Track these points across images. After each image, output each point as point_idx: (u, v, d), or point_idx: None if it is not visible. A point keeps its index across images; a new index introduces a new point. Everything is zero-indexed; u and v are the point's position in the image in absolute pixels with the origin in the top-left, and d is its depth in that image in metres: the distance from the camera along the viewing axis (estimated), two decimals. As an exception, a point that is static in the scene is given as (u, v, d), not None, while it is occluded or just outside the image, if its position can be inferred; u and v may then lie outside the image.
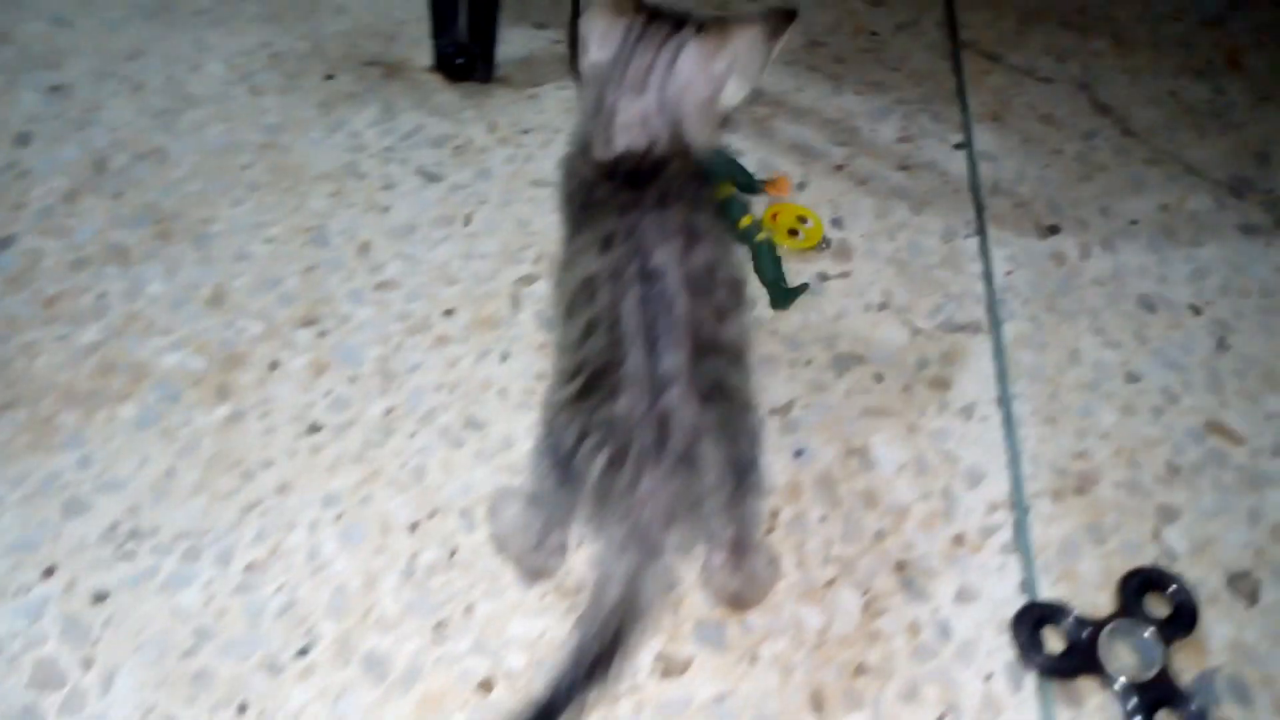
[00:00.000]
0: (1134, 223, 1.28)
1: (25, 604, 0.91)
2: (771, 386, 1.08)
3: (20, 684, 0.86)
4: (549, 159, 1.29)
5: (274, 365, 1.07)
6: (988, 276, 1.20)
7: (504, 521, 0.94)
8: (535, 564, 0.93)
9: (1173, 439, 1.07)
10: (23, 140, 1.26)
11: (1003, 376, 1.11)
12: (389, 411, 1.04)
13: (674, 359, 0.74)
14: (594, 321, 0.77)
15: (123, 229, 1.18)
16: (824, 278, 1.19)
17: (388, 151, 1.28)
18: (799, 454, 1.03)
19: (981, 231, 1.25)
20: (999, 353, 1.13)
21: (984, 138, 1.37)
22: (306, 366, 1.07)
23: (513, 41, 1.43)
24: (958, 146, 1.36)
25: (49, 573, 0.92)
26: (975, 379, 1.11)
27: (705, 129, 0.85)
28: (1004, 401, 1.09)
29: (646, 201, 0.79)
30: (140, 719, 0.84)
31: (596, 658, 0.72)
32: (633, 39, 0.83)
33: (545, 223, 1.22)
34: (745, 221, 1.16)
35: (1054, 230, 1.27)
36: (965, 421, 1.07)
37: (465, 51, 1.32)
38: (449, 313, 1.13)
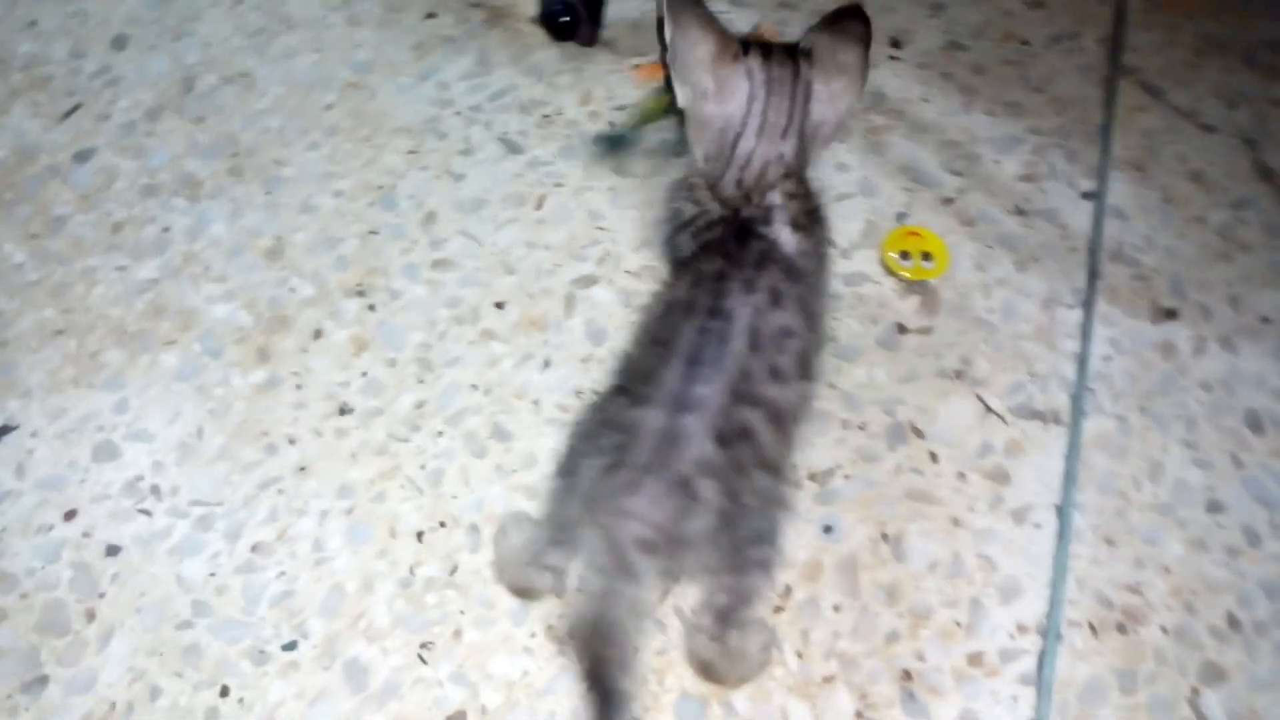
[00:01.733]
0: (1265, 320, 1.15)
1: (45, 544, 0.94)
2: (817, 447, 1.02)
3: (29, 624, 0.90)
4: (638, 144, 1.21)
5: (317, 334, 1.06)
6: (1082, 360, 1.10)
7: (507, 546, 0.93)
8: (525, 580, 0.91)
9: (1242, 588, 0.98)
10: (119, 44, 1.25)
11: (1070, 480, 1.02)
12: (420, 405, 1.02)
13: (707, 391, 0.74)
14: (653, 339, 0.79)
15: (197, 158, 1.17)
16: (902, 330, 1.11)
17: (474, 111, 1.23)
18: (828, 530, 0.98)
19: (1088, 304, 1.14)
20: (1072, 452, 1.04)
21: (1119, 189, 1.23)
22: (348, 341, 1.06)
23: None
24: (1086, 195, 1.22)
25: (70, 516, 0.95)
26: (1038, 478, 1.02)
27: (824, 151, 0.88)
28: (1064, 510, 1.01)
29: (748, 257, 0.80)
30: (128, 684, 0.87)
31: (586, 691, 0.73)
32: (760, 87, 0.82)
33: (618, 218, 1.15)
34: None
35: (1171, 315, 1.14)
36: (1016, 525, 0.99)
37: (572, 10, 1.24)
38: (499, 305, 1.09)
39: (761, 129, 0.83)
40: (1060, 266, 1.17)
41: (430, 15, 1.31)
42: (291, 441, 1.00)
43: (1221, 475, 1.04)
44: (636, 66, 1.26)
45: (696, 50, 0.82)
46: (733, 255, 0.81)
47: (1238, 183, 1.26)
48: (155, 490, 0.96)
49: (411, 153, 1.19)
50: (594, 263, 1.13)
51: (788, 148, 0.83)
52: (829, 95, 0.84)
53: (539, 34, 1.29)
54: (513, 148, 1.20)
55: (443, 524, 0.96)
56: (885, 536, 0.98)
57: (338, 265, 1.10)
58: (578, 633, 0.75)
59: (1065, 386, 1.08)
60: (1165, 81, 1.34)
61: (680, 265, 0.85)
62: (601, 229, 1.15)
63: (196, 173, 1.15)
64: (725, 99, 0.83)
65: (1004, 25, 1.38)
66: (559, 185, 1.18)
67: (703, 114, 0.84)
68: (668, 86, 0.86)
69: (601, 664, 0.74)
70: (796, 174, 0.85)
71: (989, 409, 1.06)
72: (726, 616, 0.85)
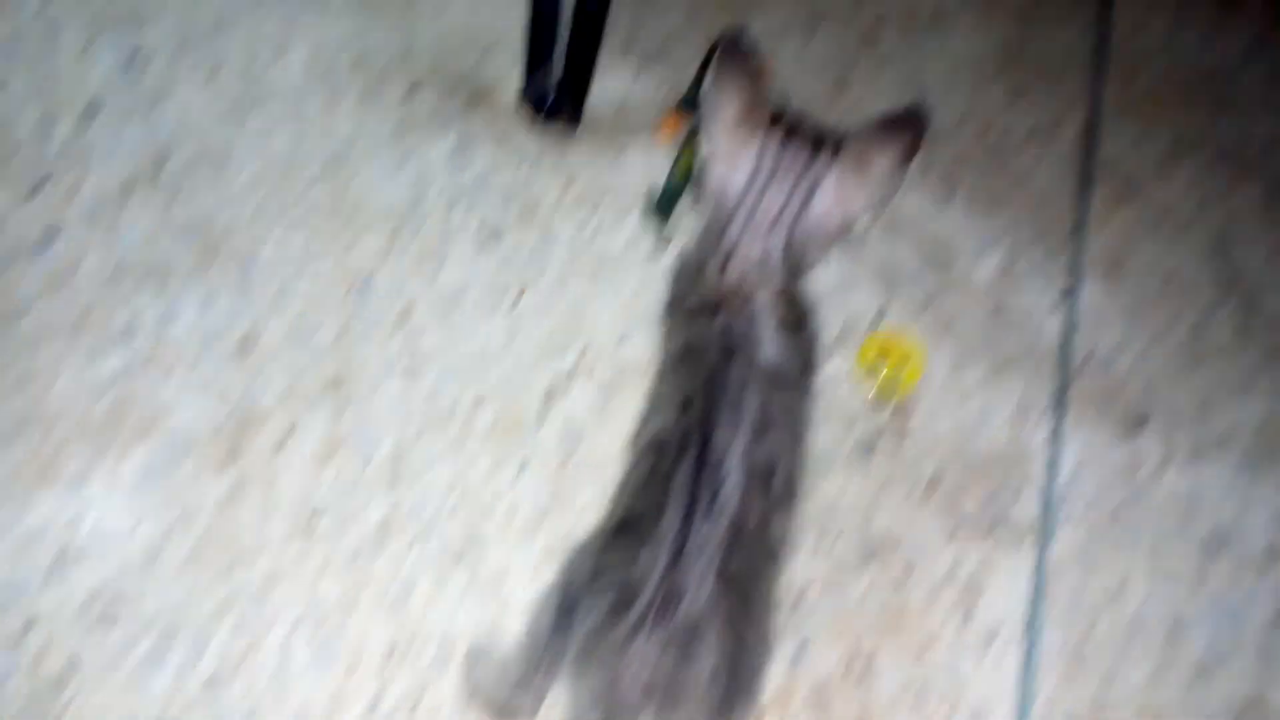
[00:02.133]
0: (1231, 431, 1.17)
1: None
2: (790, 566, 1.01)
3: (-17, 743, 0.88)
4: (619, 235, 1.21)
5: (289, 433, 1.04)
6: (1052, 475, 1.11)
7: (485, 669, 0.92)
8: (508, 702, 0.91)
9: (1206, 709, 0.99)
10: (91, 112, 1.22)
11: (1038, 599, 1.03)
12: (391, 511, 1.01)
13: (708, 535, 0.72)
14: (650, 475, 0.76)
15: (169, 239, 1.14)
16: (875, 441, 1.11)
17: (454, 195, 1.21)
18: (800, 651, 0.98)
19: (1059, 414, 1.15)
20: (1040, 570, 1.05)
21: (1093, 290, 1.25)
22: (320, 442, 1.04)
23: (611, 79, 1.33)
24: (1060, 298, 1.24)
25: (27, 627, 0.93)
26: (1008, 596, 1.03)
27: (821, 258, 0.82)
28: (1031, 631, 1.02)
29: (732, 374, 0.76)
30: (88, 810, 0.85)
31: None
32: (767, 166, 0.78)
33: (599, 311, 1.15)
34: None
35: (1140, 424, 1.16)
36: (985, 646, 1.00)
37: (554, 96, 1.23)
38: (476, 404, 1.08)
39: (751, 215, 0.79)
40: (1034, 371, 1.18)
41: (412, 92, 1.29)
42: (259, 551, 0.98)
43: (1187, 594, 1.06)
44: (659, 123, 1.24)
45: (727, 105, 0.78)
46: (716, 372, 0.77)
47: (1208, 286, 1.28)
48: (118, 598, 0.94)
49: (391, 237, 1.17)
50: (574, 357, 1.12)
51: (774, 244, 0.79)
52: (839, 193, 0.78)
53: (521, 115, 1.28)
54: (493, 234, 1.19)
55: (411, 642, 0.95)
56: (857, 657, 0.98)
57: (313, 357, 1.09)
58: None
59: (1035, 501, 1.09)
60: (1141, 176, 1.36)
61: (668, 356, 0.83)
62: (582, 323, 1.14)
63: (167, 257, 1.13)
64: (732, 166, 0.79)
65: (984, 113, 1.39)
66: (540, 275, 1.17)
67: (710, 173, 0.80)
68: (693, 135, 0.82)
69: None
70: (782, 288, 0.80)
71: (961, 524, 1.07)
72: None
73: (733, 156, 0.79)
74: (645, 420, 0.82)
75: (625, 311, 1.16)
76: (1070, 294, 1.24)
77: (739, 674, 0.75)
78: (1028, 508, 1.09)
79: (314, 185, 1.20)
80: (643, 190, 1.22)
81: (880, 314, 1.20)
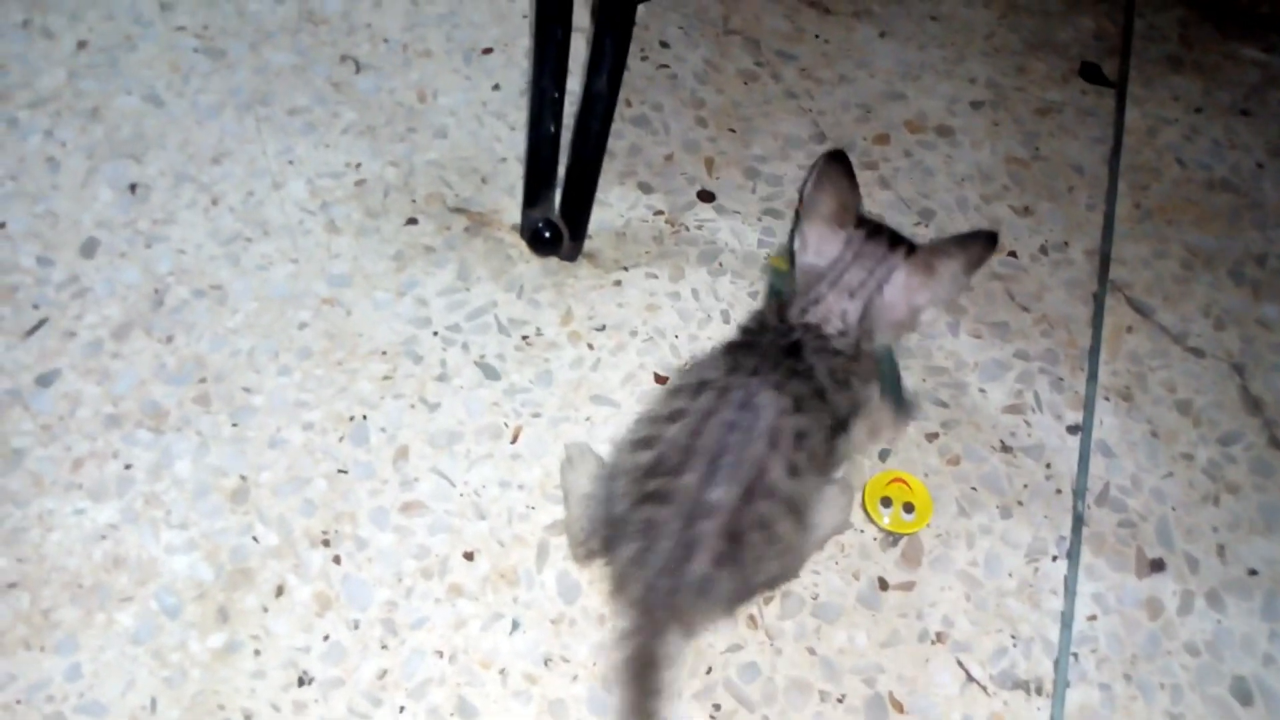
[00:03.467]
0: (1253, 573, 1.13)
1: (-17, 837, 0.89)
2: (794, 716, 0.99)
3: None
4: (616, 370, 1.19)
5: (280, 591, 1.03)
6: (1067, 621, 1.07)
7: (575, 479, 1.05)
8: (583, 548, 1.02)
9: None
10: (89, 250, 1.22)
11: (1052, 762, 0.99)
12: (383, 675, 0.99)
13: (723, 494, 0.86)
14: (684, 414, 0.90)
15: (164, 384, 1.14)
16: (883, 586, 1.08)
17: (452, 331, 1.20)
18: (803, 822, 0.94)
19: (1073, 555, 1.12)
20: (1055, 728, 1.01)
21: (1106, 421, 1.21)
22: (312, 599, 1.02)
23: (612, 205, 1.32)
24: (1072, 430, 1.20)
25: (12, 805, 0.91)
26: (1021, 759, 0.99)
27: (890, 338, 1.02)
28: (1046, 798, 0.98)
29: (789, 366, 0.93)
30: None
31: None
32: (850, 253, 0.97)
33: (598, 450, 1.13)
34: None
35: (1157, 567, 1.12)
36: (997, 815, 0.96)
37: (553, 226, 1.22)
38: (469, 556, 1.06)
39: (836, 281, 0.97)
40: (1046, 509, 1.15)
41: (411, 222, 1.29)
42: (248, 717, 0.96)
43: (1209, 755, 1.01)
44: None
45: (821, 206, 0.98)
46: (769, 356, 0.93)
47: (1226, 414, 1.24)
48: (104, 773, 0.92)
49: (386, 379, 1.16)
50: (569, 505, 1.10)
51: (853, 307, 0.96)
52: (905, 286, 0.96)
53: (521, 245, 1.27)
54: (490, 373, 1.18)
55: (403, 816, 0.92)
56: (862, 830, 0.94)
57: (304, 510, 1.07)
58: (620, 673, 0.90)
59: (1049, 651, 1.06)
60: (1154, 298, 1.33)
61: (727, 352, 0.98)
62: (578, 467, 1.12)
63: (162, 401, 1.12)
64: (820, 256, 0.98)
65: (991, 234, 1.37)
66: (536, 415, 1.15)
67: (800, 264, 0.99)
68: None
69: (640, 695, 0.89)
70: (855, 344, 0.97)
71: (970, 677, 1.03)
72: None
73: (821, 247, 0.98)
74: (693, 364, 1.04)
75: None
76: (1082, 429, 1.21)
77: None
78: (1041, 660, 1.05)
79: (310, 324, 1.19)
80: (639, 328, 1.21)
81: (887, 451, 1.17)
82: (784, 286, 1.05)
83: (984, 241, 0.96)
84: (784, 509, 0.89)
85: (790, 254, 1.02)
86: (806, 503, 0.92)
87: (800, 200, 1.01)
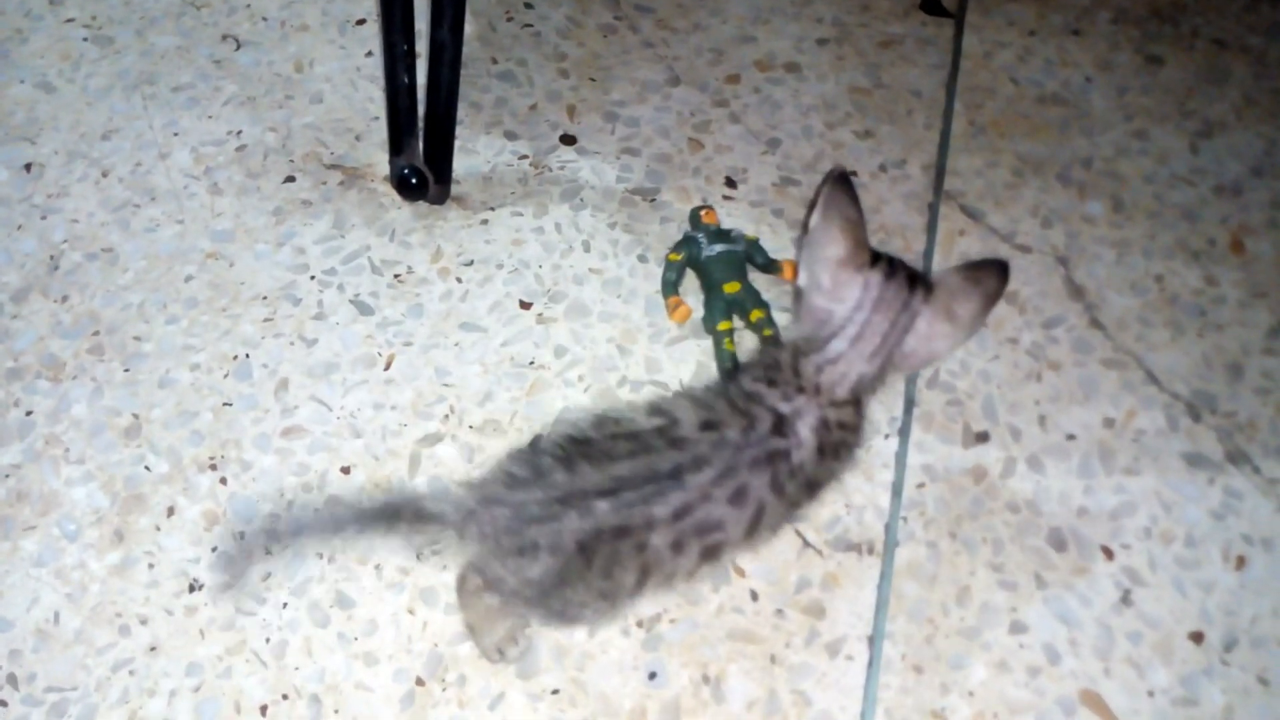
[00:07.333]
0: (1070, 438, 1.23)
1: (-98, 740, 0.98)
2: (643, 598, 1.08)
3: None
4: (484, 299, 1.29)
5: (170, 511, 1.12)
6: (897, 490, 1.18)
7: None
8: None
9: (1040, 707, 1.05)
10: (-12, 225, 1.31)
11: (881, 611, 1.10)
12: (267, 577, 1.08)
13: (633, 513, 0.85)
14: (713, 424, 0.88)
15: (61, 338, 1.23)
16: (728, 470, 1.18)
17: (328, 274, 1.30)
18: (653, 676, 1.04)
19: (904, 432, 1.22)
20: (884, 582, 1.11)
21: (939, 314, 1.32)
22: (200, 516, 1.12)
23: (479, 152, 1.42)
24: (907, 324, 1.31)
25: (-73, 711, 1.00)
26: (852, 609, 1.10)
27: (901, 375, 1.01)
28: (875, 641, 1.08)
29: (763, 449, 0.88)
30: None
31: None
32: (869, 301, 0.89)
33: (463, 375, 1.22)
34: (756, 315, 1.25)
35: (982, 438, 1.23)
36: (830, 659, 1.06)
37: (418, 172, 1.32)
38: (346, 470, 1.16)
39: (856, 339, 0.89)
40: (879, 397, 1.25)
41: (289, 180, 1.38)
42: (144, 622, 1.05)
43: (1025, 596, 1.12)
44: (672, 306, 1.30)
45: (830, 246, 0.89)
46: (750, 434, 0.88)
47: (1050, 301, 1.35)
48: (11, 679, 1.02)
49: (267, 321, 1.26)
50: (439, 420, 1.20)
51: (870, 369, 0.91)
52: (927, 334, 0.90)
53: (393, 193, 1.37)
54: (364, 309, 1.28)
55: (285, 696, 1.02)
56: (707, 678, 1.05)
57: (192, 440, 1.16)
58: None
59: (880, 516, 1.16)
60: (985, 204, 1.43)
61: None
62: (447, 385, 1.22)
63: (59, 354, 1.22)
64: (835, 300, 0.90)
65: (834, 156, 1.48)
66: (407, 344, 1.25)
67: (811, 303, 0.91)
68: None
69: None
70: (859, 397, 0.93)
71: (807, 543, 1.14)
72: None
73: (836, 291, 0.90)
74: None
75: (488, 373, 1.23)
76: (917, 319, 1.31)
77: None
78: (873, 525, 1.15)
79: (195, 277, 1.29)
80: (505, 261, 1.31)
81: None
82: (674, 276, 1.24)
83: (998, 273, 0.90)
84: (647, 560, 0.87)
85: (795, 289, 0.96)
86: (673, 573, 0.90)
87: (804, 228, 0.94)
